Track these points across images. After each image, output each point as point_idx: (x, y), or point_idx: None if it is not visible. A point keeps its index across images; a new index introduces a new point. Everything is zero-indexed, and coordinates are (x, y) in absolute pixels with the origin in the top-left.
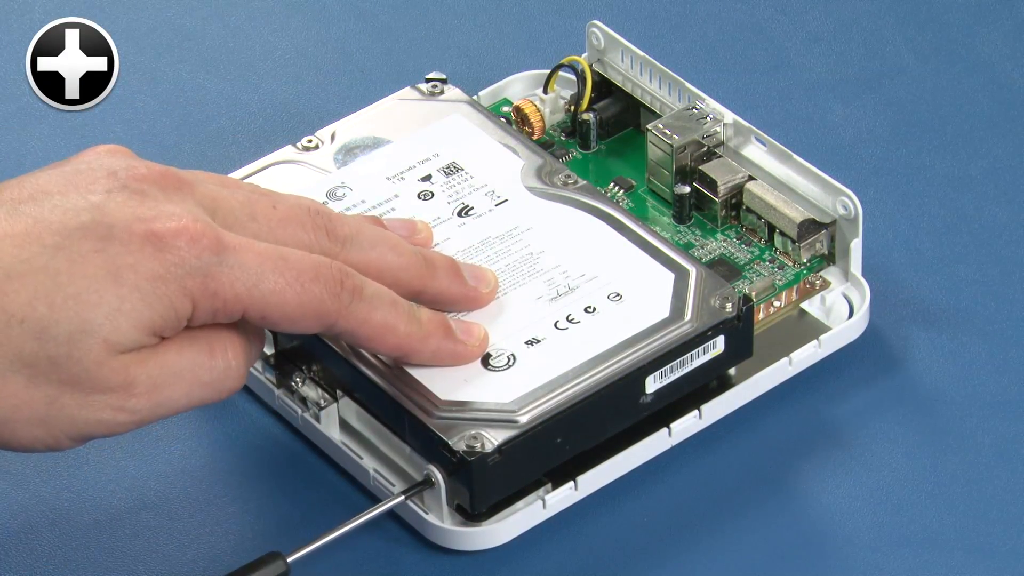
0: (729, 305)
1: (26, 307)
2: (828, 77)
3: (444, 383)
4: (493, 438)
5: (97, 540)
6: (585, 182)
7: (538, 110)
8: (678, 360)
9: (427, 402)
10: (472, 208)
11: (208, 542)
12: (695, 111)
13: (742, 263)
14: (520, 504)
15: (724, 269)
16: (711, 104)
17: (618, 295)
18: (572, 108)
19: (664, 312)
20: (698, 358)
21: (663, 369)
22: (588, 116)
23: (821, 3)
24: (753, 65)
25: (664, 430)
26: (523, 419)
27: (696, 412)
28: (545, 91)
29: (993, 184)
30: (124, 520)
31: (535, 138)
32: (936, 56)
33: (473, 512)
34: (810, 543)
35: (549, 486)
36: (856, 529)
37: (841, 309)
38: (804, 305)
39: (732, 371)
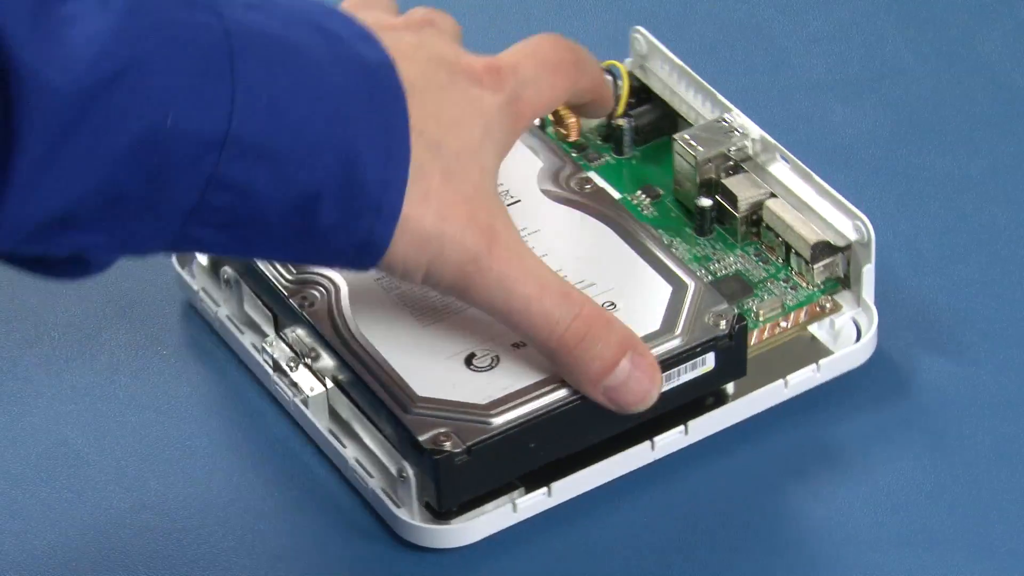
0: (723, 323)
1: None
2: (828, 77)
3: (425, 379)
4: (463, 438)
5: (97, 540)
6: (599, 187)
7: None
8: (664, 374)
9: (405, 397)
10: None
11: (208, 542)
12: (724, 123)
13: (756, 280)
14: (489, 506)
15: (738, 285)
16: (738, 119)
17: (612, 304)
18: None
19: (655, 324)
20: (685, 373)
21: None
22: (622, 122)
23: (821, 3)
24: (753, 65)
25: (647, 443)
26: (496, 421)
27: (682, 428)
28: None
29: (993, 184)
30: (124, 520)
31: (571, 140)
32: (936, 56)
33: (440, 510)
34: (810, 543)
35: (523, 490)
36: (856, 529)
37: (850, 333)
38: (814, 327)
39: (730, 389)
